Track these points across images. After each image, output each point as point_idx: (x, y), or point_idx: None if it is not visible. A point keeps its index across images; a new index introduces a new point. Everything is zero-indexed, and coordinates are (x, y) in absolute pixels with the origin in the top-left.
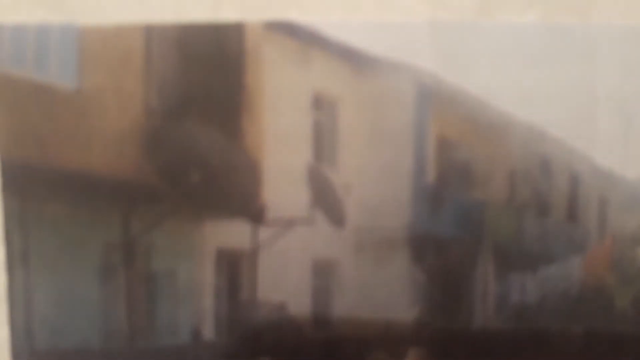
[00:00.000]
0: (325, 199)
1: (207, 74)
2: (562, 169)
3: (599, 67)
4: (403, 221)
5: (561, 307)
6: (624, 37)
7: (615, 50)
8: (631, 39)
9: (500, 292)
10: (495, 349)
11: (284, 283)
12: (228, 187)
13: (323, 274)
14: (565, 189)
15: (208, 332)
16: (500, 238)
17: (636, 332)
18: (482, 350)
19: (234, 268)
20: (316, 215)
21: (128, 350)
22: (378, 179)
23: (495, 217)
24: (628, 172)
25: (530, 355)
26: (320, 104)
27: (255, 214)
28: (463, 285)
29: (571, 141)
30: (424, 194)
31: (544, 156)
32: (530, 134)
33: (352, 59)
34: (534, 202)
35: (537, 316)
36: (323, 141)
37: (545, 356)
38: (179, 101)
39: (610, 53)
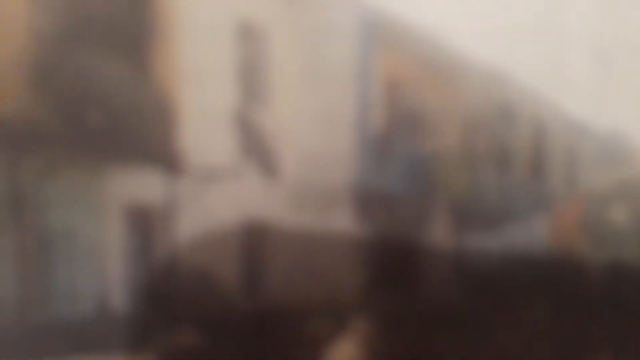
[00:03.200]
0: (254, 147)
1: None
2: (526, 117)
3: (573, 2)
4: (346, 174)
5: (525, 273)
6: None
7: None
8: None
9: (457, 255)
10: (451, 320)
11: (207, 244)
12: (136, 130)
13: (254, 233)
14: (530, 140)
15: (116, 301)
16: (455, 194)
17: (608, 301)
18: (436, 320)
19: (146, 226)
20: (244, 165)
21: (18, 325)
22: (316, 125)
23: (449, 170)
24: (602, 122)
25: (490, 326)
26: (247, 34)
27: (170, 163)
28: (414, 247)
29: (538, 85)
30: (370, 143)
31: (506, 102)
32: (491, 77)
33: None
34: (493, 154)
35: (498, 283)
36: (251, 78)
37: (506, 328)
38: (73, 24)
39: None
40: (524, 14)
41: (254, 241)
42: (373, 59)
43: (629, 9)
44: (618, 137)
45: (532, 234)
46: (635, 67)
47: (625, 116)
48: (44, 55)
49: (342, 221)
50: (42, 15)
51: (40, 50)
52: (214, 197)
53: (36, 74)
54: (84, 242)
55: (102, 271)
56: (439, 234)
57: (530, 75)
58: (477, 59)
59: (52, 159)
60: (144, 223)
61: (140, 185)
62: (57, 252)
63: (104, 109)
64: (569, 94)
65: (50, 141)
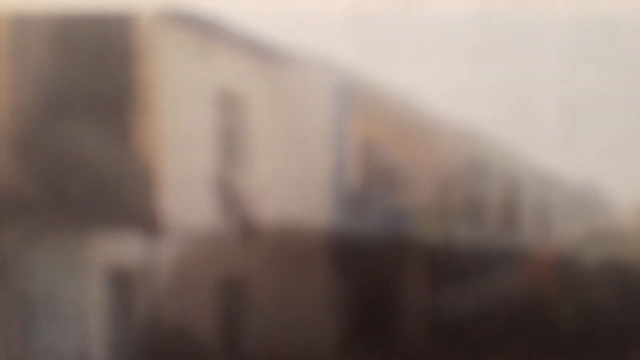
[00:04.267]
0: (233, 209)
1: (91, 68)
2: (498, 171)
3: (540, 59)
4: (323, 230)
5: (499, 323)
6: (568, 26)
7: (558, 40)
8: (576, 27)
9: (433, 307)
10: None
11: (186, 304)
12: (117, 195)
13: (232, 292)
14: (502, 193)
15: None
16: (430, 247)
17: (581, 348)
18: None
19: (126, 288)
20: (223, 226)
21: None
22: (294, 186)
23: (424, 224)
24: (572, 173)
25: None
26: (226, 101)
27: (150, 226)
28: (391, 300)
29: (508, 140)
30: (346, 202)
31: (478, 157)
32: (462, 134)
33: (260, 52)
34: (466, 208)
35: (473, 333)
36: (230, 143)
37: None
38: (54, 95)
39: (552, 43)
40: (492, 70)
41: (232, 298)
42: (348, 121)
43: (595, 63)
44: (588, 188)
45: (505, 284)
46: (603, 119)
47: (595, 167)
48: (27, 125)
49: (319, 275)
50: (24, 86)
51: (23, 120)
52: (193, 256)
53: (19, 143)
54: (65, 304)
55: (83, 332)
56: (414, 285)
57: (501, 131)
58: (449, 117)
59: (34, 225)
60: (125, 284)
61: (121, 248)
62: (39, 314)
63: (85, 176)
64: (539, 147)
65: (33, 208)
